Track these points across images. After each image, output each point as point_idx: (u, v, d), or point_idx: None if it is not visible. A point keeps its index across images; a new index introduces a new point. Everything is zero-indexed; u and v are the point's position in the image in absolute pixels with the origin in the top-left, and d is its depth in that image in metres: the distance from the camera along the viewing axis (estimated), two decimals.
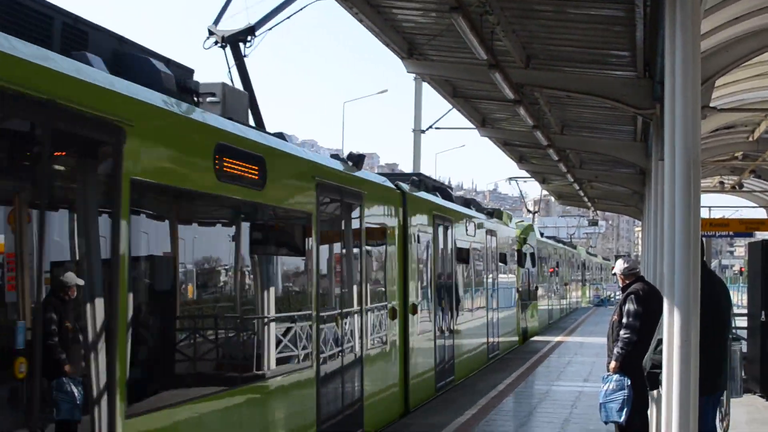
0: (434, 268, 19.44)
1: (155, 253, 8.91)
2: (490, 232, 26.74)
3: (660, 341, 9.43)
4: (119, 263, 7.66)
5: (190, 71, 10.55)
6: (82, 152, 7.56)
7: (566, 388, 21.49)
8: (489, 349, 26.30)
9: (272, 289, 11.14)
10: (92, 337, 7.44)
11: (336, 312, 13.14)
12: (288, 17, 13.52)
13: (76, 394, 7.12)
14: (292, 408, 11.50)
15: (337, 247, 13.47)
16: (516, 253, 33.51)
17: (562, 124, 22.40)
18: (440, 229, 19.98)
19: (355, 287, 14.00)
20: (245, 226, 10.53)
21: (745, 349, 16.18)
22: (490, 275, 27.00)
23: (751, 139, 22.99)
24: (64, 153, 7.41)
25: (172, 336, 9.15)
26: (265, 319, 10.81)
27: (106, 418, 7.48)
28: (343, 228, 13.63)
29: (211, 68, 15.58)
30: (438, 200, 20.38)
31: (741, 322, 20.31)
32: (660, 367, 9.37)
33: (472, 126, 24.60)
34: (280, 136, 12.05)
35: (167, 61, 9.92)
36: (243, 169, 10.21)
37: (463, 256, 22.48)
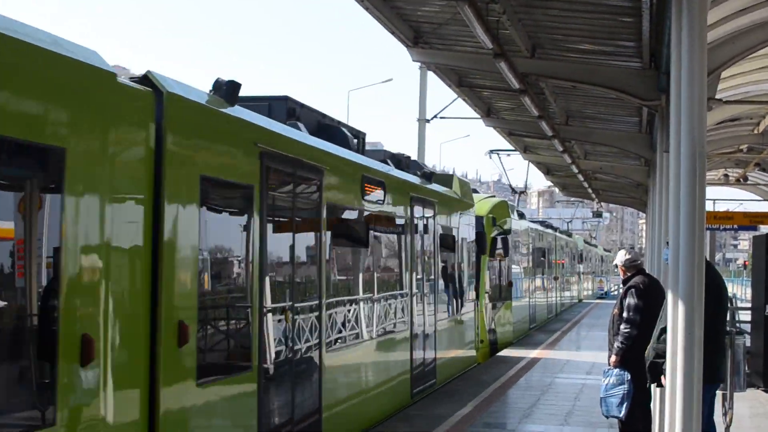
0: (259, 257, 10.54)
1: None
2: (424, 204, 18.16)
3: (663, 330, 9.37)
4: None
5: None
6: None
7: None
8: (413, 380, 17.14)
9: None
10: None
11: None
12: None
13: None
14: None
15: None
16: (479, 238, 24.89)
17: (567, 115, 22.33)
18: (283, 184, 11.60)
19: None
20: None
21: (748, 344, 16.13)
22: (422, 267, 18.02)
23: (756, 131, 22.94)
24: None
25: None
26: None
27: None
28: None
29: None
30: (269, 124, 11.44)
31: (745, 315, 20.28)
32: (663, 356, 9.32)
33: (477, 116, 24.53)
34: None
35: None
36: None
37: (354, 235, 14.53)
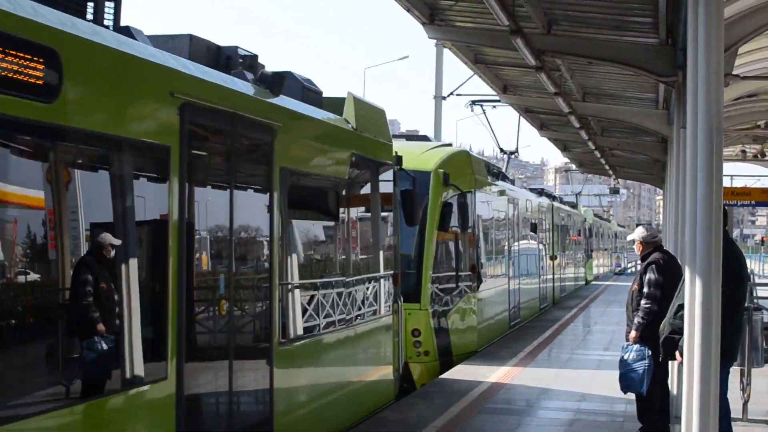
0: None
1: None
2: (238, 127, 10.02)
3: (680, 306, 9.37)
4: None
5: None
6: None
7: None
8: None
9: None
10: None
11: None
12: None
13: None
14: None
15: None
16: (407, 201, 15.37)
17: (583, 91, 22.29)
18: None
19: None
20: None
21: (766, 319, 16.09)
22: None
23: None
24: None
25: None
26: None
27: None
28: None
29: None
30: None
31: (762, 291, 20.20)
32: (679, 332, 9.32)
33: (494, 93, 24.51)
34: None
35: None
36: None
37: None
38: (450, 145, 22.66)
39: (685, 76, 9.86)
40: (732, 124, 23.87)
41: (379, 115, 14.89)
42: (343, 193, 13.41)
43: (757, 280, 25.34)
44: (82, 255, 7.48)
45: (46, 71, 6.86)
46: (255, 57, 11.30)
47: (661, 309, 11.50)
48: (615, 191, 78.30)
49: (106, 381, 7.74)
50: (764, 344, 13.10)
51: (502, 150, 36.30)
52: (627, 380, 12.05)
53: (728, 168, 37.50)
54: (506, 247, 26.53)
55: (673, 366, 12.41)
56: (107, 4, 8.70)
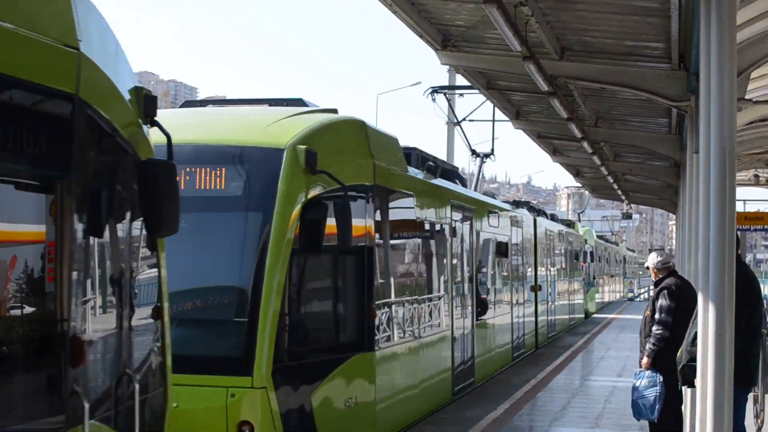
0: None
1: None
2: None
3: (697, 334, 9.35)
4: None
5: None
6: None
7: None
8: None
9: None
10: None
11: None
12: None
13: None
14: None
15: None
16: (149, 181, 6.42)
17: (596, 117, 22.30)
18: None
19: None
20: None
21: None
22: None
23: None
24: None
25: None
26: None
27: None
28: None
29: None
30: None
31: None
32: (696, 360, 9.29)
33: (506, 118, 24.53)
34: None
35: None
36: None
37: None
38: (335, 111, 13.09)
39: (698, 101, 9.86)
40: (745, 148, 23.84)
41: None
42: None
43: None
44: None
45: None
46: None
47: (673, 335, 11.48)
48: (627, 216, 78.22)
49: None
50: None
51: (473, 151, 29.33)
52: (638, 407, 12.04)
53: (741, 193, 37.50)
54: (447, 277, 17.22)
55: (686, 391, 12.37)
56: None
